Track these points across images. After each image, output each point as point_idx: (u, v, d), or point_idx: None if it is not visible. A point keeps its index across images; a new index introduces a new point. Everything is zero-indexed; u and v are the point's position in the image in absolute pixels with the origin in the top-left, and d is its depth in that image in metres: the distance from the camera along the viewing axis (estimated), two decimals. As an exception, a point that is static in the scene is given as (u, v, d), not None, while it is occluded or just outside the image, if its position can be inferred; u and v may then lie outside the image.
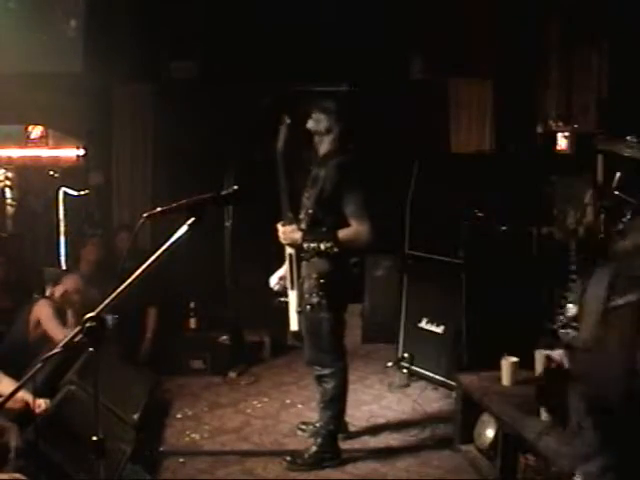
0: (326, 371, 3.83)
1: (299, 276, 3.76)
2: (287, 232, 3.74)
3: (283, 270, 3.99)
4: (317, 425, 3.96)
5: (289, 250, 3.79)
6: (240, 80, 6.19)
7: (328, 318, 3.73)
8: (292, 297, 3.82)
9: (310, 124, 3.78)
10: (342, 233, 3.61)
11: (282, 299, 3.93)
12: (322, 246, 3.61)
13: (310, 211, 3.70)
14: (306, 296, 3.72)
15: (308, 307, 3.72)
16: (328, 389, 3.83)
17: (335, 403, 3.85)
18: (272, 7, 6.04)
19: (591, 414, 2.15)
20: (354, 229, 3.61)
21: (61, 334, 4.26)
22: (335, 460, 3.82)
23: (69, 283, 4.64)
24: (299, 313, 3.81)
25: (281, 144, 3.79)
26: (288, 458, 3.80)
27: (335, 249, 3.60)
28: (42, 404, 3.25)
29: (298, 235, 3.70)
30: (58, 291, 4.57)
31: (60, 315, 4.46)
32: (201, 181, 5.63)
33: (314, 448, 3.83)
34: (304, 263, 3.75)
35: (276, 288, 4.06)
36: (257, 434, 4.26)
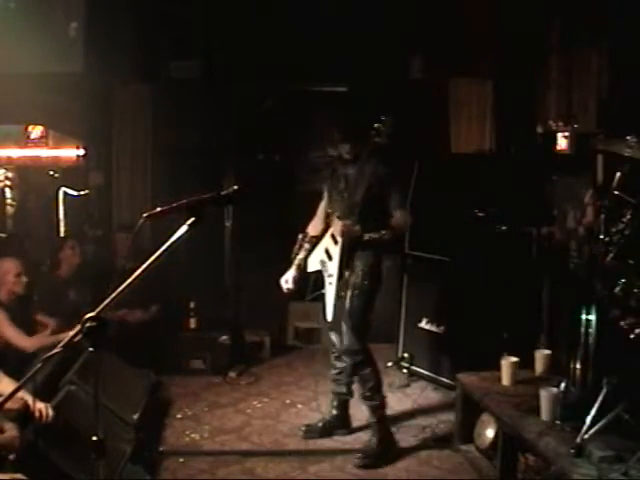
0: (360, 357, 3.92)
1: (347, 267, 3.85)
2: (348, 225, 3.82)
3: (292, 272, 4.08)
4: (369, 421, 4.03)
5: (342, 241, 3.84)
6: (240, 80, 6.20)
7: (367, 305, 3.90)
8: (332, 288, 3.88)
9: (351, 130, 3.90)
10: (393, 221, 3.83)
11: (322, 291, 3.98)
12: (383, 234, 3.81)
13: (359, 206, 3.81)
14: (355, 284, 3.83)
15: (356, 292, 3.83)
16: (367, 374, 3.94)
17: (377, 387, 3.96)
18: (272, 7, 6.04)
19: None
20: (401, 218, 3.85)
21: (20, 340, 4.03)
22: (395, 446, 3.95)
23: (6, 273, 4.15)
24: (339, 301, 3.87)
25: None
26: (359, 455, 3.85)
27: (389, 236, 3.83)
28: (42, 408, 3.16)
29: (358, 228, 3.81)
30: (2, 292, 4.15)
31: (22, 310, 4.20)
32: (201, 181, 5.64)
33: (375, 440, 3.91)
34: (355, 254, 3.85)
35: (287, 289, 4.10)
36: (257, 434, 4.26)
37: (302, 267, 4.08)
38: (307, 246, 4.10)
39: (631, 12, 4.52)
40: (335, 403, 4.25)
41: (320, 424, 4.21)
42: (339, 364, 4.17)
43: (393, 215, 3.83)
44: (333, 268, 3.86)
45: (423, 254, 5.20)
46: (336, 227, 3.88)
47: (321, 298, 4.02)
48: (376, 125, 3.80)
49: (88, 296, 4.94)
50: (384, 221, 3.83)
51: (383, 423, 3.97)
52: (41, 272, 5.24)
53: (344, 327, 3.92)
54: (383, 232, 3.81)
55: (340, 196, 3.95)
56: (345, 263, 3.84)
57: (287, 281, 4.08)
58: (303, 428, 4.24)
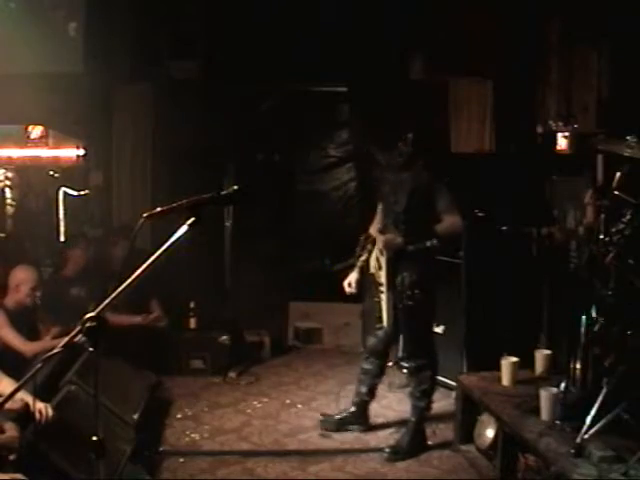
0: (424, 360, 3.96)
1: (395, 277, 3.86)
2: (390, 239, 3.85)
3: (355, 274, 4.10)
4: (411, 419, 4.05)
5: (387, 254, 3.87)
6: (240, 80, 6.20)
7: (426, 310, 3.94)
8: (385, 297, 3.90)
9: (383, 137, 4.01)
10: (440, 227, 3.80)
11: (375, 299, 4.01)
12: (428, 244, 3.80)
13: (403, 215, 3.84)
14: (408, 292, 3.84)
15: (410, 302, 3.84)
16: (425, 377, 3.97)
17: (429, 392, 4.00)
18: (272, 7, 6.04)
19: None
20: (449, 222, 3.81)
21: (20, 344, 3.98)
22: (425, 448, 3.98)
23: (22, 283, 4.12)
24: (395, 309, 3.90)
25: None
26: (388, 450, 3.89)
27: (437, 243, 3.80)
28: (42, 408, 3.13)
29: (400, 240, 3.82)
30: (11, 298, 4.12)
31: (25, 319, 4.15)
32: (201, 181, 5.64)
33: (407, 438, 3.95)
34: (403, 262, 3.86)
35: (349, 292, 4.15)
36: (257, 434, 4.26)
37: (364, 269, 4.09)
38: (369, 247, 4.10)
39: (631, 12, 4.52)
40: (355, 400, 4.30)
41: (338, 417, 4.26)
42: (366, 365, 4.23)
43: (442, 220, 3.81)
44: (383, 277, 3.91)
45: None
46: (378, 242, 3.94)
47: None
48: (400, 143, 3.86)
49: (94, 293, 4.94)
50: (431, 228, 3.82)
51: (420, 425, 4.01)
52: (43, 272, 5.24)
53: (404, 336, 4.00)
54: (429, 243, 3.80)
55: (386, 202, 4.00)
56: (392, 274, 3.86)
57: (350, 284, 4.11)
58: (322, 418, 4.30)
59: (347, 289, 4.13)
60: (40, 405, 3.11)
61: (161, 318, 5.42)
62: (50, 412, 3.14)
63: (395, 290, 3.87)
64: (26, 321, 4.19)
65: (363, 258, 4.09)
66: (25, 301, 4.15)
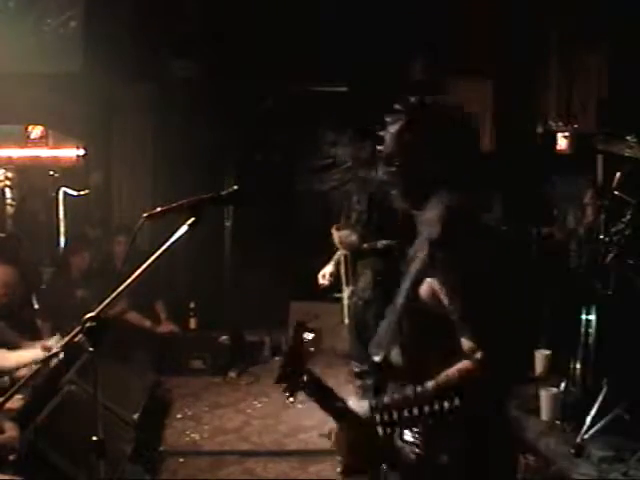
0: (366, 366, 3.89)
1: (354, 273, 3.91)
2: (343, 237, 3.90)
3: (331, 267, 4.16)
4: None
5: (343, 252, 3.95)
6: (240, 80, 6.19)
7: (377, 313, 3.84)
8: (346, 293, 3.98)
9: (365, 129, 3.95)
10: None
11: (337, 295, 4.11)
12: (380, 244, 3.78)
13: (364, 214, 3.86)
14: (360, 292, 3.88)
15: (361, 302, 3.86)
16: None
17: None
18: (272, 7, 6.04)
19: None
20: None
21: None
22: None
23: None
24: (349, 307, 3.98)
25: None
26: None
27: (390, 244, 3.75)
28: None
29: (354, 238, 3.85)
30: None
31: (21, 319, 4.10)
32: (201, 181, 5.63)
33: None
34: (359, 262, 3.90)
35: (322, 284, 4.19)
36: (257, 434, 4.26)
37: (339, 263, 4.13)
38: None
39: (631, 12, 4.53)
40: None
41: None
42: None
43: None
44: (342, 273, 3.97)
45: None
46: (335, 237, 3.97)
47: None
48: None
49: (98, 294, 4.93)
50: (393, 228, 3.83)
51: None
52: (43, 273, 5.24)
53: (350, 335, 4.02)
54: (382, 243, 3.77)
55: (351, 199, 4.04)
56: (350, 271, 3.91)
57: (324, 276, 4.15)
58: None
59: (321, 281, 4.16)
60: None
61: (173, 329, 5.43)
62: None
63: (352, 288, 3.93)
64: (22, 318, 4.16)
65: (339, 252, 4.13)
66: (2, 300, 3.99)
